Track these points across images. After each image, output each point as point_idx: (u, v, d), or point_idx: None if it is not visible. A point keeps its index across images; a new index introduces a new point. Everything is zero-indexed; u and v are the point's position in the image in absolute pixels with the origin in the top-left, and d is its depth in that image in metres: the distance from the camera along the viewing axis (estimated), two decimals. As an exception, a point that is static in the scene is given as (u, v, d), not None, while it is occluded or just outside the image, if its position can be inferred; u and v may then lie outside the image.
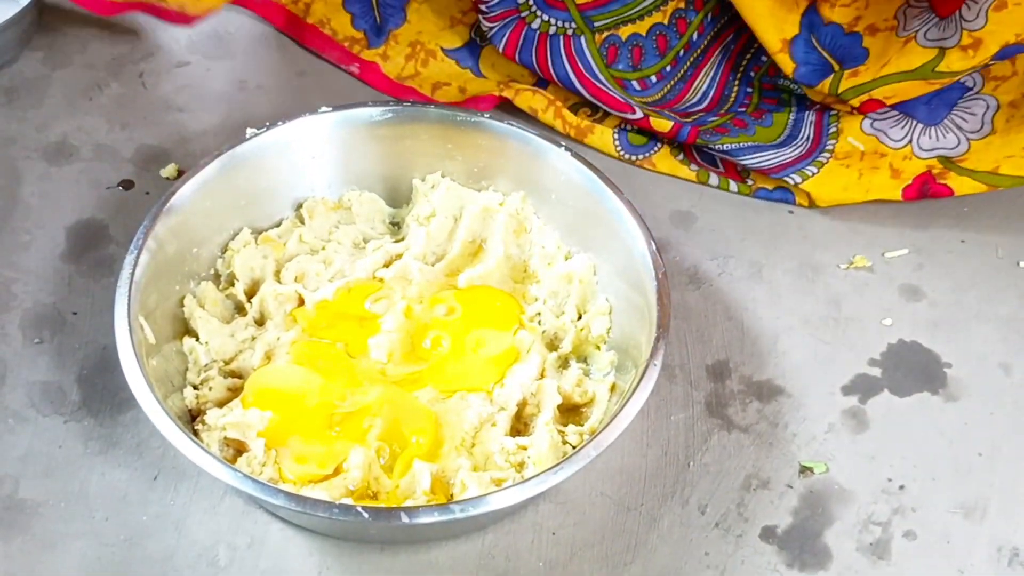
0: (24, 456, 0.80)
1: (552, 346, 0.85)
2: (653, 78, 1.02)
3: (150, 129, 1.01)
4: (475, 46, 1.07)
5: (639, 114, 0.99)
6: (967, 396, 0.87)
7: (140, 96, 1.04)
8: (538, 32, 1.00)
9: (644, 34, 1.02)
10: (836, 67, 0.95)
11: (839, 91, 0.95)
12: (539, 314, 0.87)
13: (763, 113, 1.00)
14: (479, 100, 1.03)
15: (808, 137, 0.99)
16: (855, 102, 0.95)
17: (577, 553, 0.78)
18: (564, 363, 0.85)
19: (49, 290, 0.89)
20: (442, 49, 1.07)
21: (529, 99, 1.02)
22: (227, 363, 0.83)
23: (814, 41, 0.95)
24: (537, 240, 0.90)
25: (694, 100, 1.03)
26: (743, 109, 1.02)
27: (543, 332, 0.86)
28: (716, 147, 0.97)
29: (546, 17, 1.00)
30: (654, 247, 0.82)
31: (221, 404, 0.80)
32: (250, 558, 0.76)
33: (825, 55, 0.95)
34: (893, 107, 0.97)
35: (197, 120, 1.02)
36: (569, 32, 1.00)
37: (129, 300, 0.77)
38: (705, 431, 0.84)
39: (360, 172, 0.92)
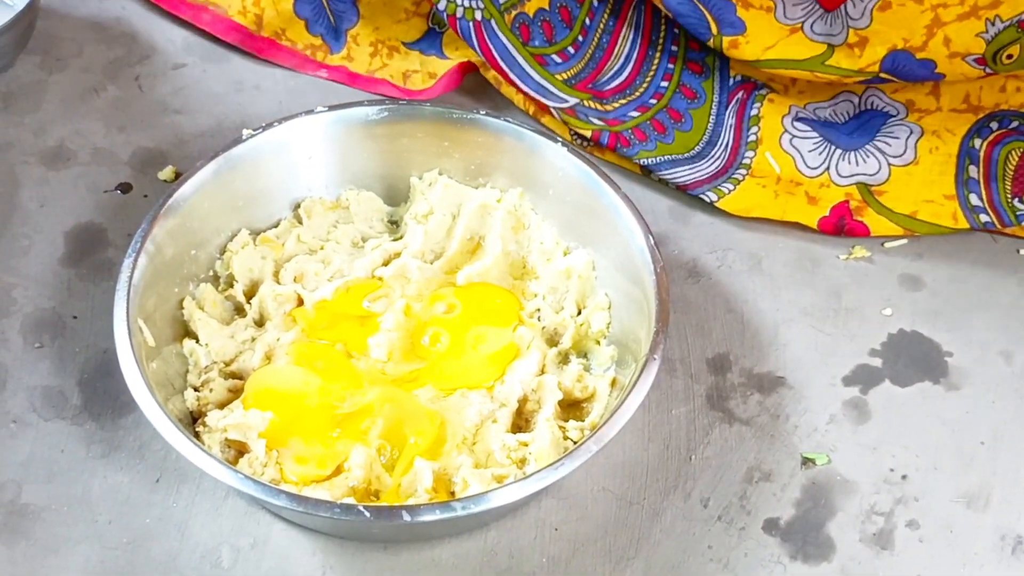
0: (26, 461, 0.80)
1: (552, 342, 0.85)
2: (571, 49, 1.00)
3: (147, 132, 1.01)
4: (435, 34, 1.06)
5: (557, 115, 0.98)
6: (968, 385, 0.87)
7: (137, 99, 1.04)
8: (446, 15, 0.98)
9: (548, 8, 1.00)
10: (714, 27, 0.92)
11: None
12: (538, 310, 0.87)
13: (682, 114, 0.98)
14: (448, 77, 1.02)
15: (727, 145, 0.97)
16: (762, 76, 0.94)
17: (580, 548, 0.78)
18: (564, 359, 0.85)
19: (49, 294, 0.89)
20: (403, 44, 1.07)
21: (493, 72, 1.01)
22: (227, 364, 0.83)
23: None
24: (535, 236, 0.90)
25: (616, 67, 1.01)
26: (665, 84, 0.99)
27: (543, 328, 0.86)
28: (635, 161, 0.96)
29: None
30: (652, 241, 0.82)
31: (222, 406, 0.80)
32: (253, 559, 0.76)
33: (700, 7, 0.92)
34: (814, 128, 0.96)
35: (194, 122, 1.02)
36: (479, 17, 0.98)
37: (128, 303, 0.77)
38: (706, 424, 0.84)
39: (357, 171, 0.92)
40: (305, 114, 0.89)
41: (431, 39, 1.06)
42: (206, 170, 0.85)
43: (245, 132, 0.87)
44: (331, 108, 0.89)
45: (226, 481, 0.70)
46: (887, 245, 0.95)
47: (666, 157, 0.97)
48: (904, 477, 0.82)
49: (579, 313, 0.86)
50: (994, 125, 0.93)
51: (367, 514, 0.69)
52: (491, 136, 0.89)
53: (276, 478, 0.76)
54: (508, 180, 0.91)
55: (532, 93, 0.99)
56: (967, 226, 0.94)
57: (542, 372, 0.83)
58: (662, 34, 0.99)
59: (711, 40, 0.93)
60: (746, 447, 0.83)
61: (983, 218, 0.94)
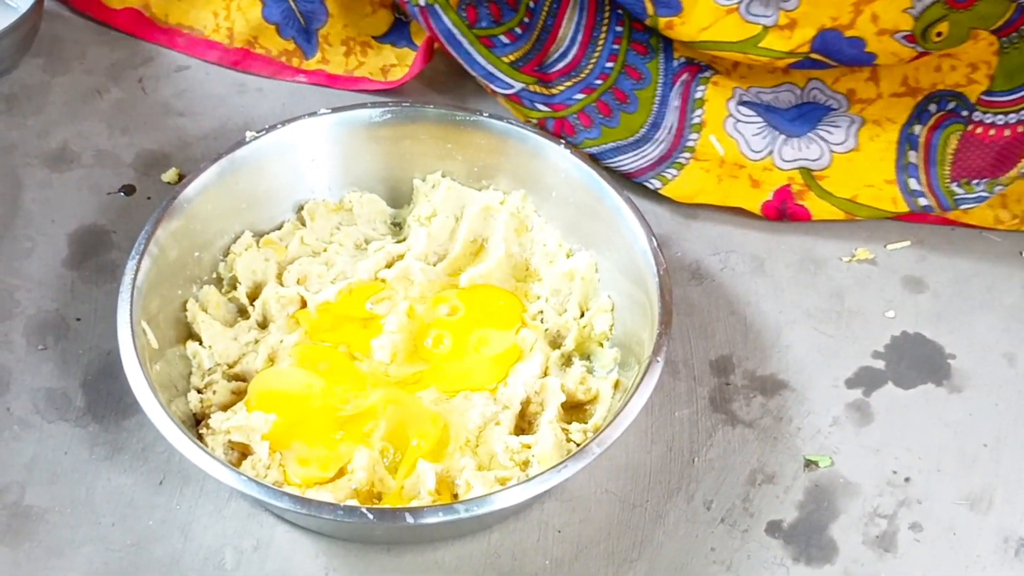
0: (30, 463, 0.80)
1: (555, 344, 0.85)
2: (518, 30, 0.99)
3: (150, 134, 1.01)
4: (402, 24, 1.06)
5: (502, 94, 0.98)
6: (971, 387, 0.87)
7: (140, 101, 1.04)
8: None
9: None
10: (650, 7, 0.91)
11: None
12: (541, 312, 0.87)
13: (627, 95, 0.97)
14: (420, 56, 1.03)
15: (671, 127, 0.97)
16: (704, 58, 0.94)
17: (583, 550, 0.78)
18: (567, 361, 0.85)
19: (52, 296, 0.89)
20: (374, 38, 1.06)
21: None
22: (231, 366, 0.83)
23: None
24: (538, 238, 0.90)
25: (561, 49, 1.00)
26: (610, 64, 0.98)
27: (546, 330, 0.86)
28: (579, 149, 0.96)
29: None
30: (655, 243, 0.82)
31: (225, 408, 0.80)
32: (256, 561, 0.76)
33: None
34: (758, 112, 0.96)
35: (197, 124, 1.02)
36: (422, 2, 0.96)
37: (132, 305, 0.77)
38: (709, 426, 0.84)
39: (360, 173, 0.92)
40: (308, 116, 0.89)
41: (399, 30, 1.06)
42: (210, 172, 0.85)
43: (248, 134, 0.87)
44: (334, 110, 0.89)
45: (229, 483, 0.70)
46: (890, 247, 0.95)
47: (610, 144, 0.97)
48: (907, 479, 0.82)
49: (582, 315, 0.87)
50: (932, 108, 0.93)
51: (370, 516, 0.69)
52: (494, 138, 0.89)
53: (279, 480, 0.76)
54: (511, 182, 0.91)
55: (478, 78, 0.99)
56: (907, 209, 0.95)
57: (545, 374, 0.83)
58: (607, 14, 0.98)
59: (648, 20, 0.93)
60: (749, 449, 0.83)
61: (922, 202, 0.94)
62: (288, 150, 0.89)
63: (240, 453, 0.78)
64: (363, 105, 0.90)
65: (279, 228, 0.90)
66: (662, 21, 0.91)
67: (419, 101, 0.91)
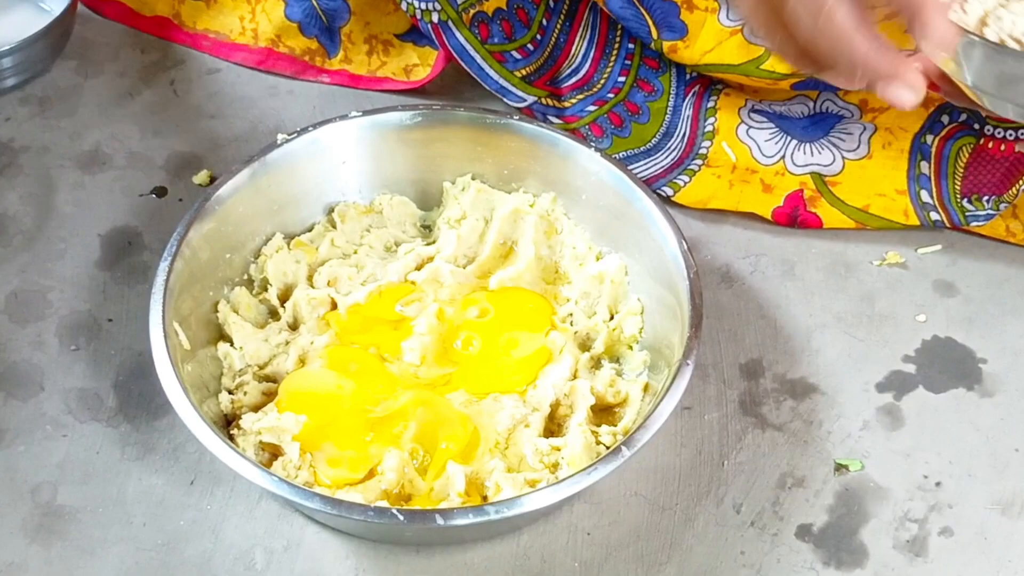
0: (62, 463, 0.81)
1: (584, 347, 0.85)
2: (530, 46, 1.00)
3: (182, 136, 1.02)
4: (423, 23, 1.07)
5: (514, 107, 0.99)
6: (1003, 391, 0.86)
7: (172, 103, 1.05)
8: (408, 14, 0.98)
9: (505, 7, 0.99)
10: (654, 31, 0.92)
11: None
12: (571, 315, 0.87)
13: (640, 107, 0.97)
14: (439, 60, 1.03)
15: (684, 135, 0.96)
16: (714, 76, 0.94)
17: (612, 553, 0.78)
18: (596, 363, 0.85)
19: (84, 297, 0.90)
20: (396, 36, 1.07)
21: None
22: (261, 368, 0.83)
23: None
24: (568, 241, 0.90)
25: (574, 65, 1.00)
26: (623, 79, 0.98)
27: (575, 333, 0.86)
28: None
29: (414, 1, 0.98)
30: (685, 246, 0.82)
31: (256, 409, 0.80)
32: (287, 561, 0.77)
33: (641, 10, 0.92)
34: (770, 119, 0.95)
35: (228, 126, 1.03)
36: (435, 19, 0.97)
37: (164, 306, 0.77)
38: (739, 430, 0.84)
39: (391, 176, 0.92)
40: (340, 119, 0.89)
41: (420, 29, 1.06)
42: (242, 174, 0.85)
43: (280, 136, 0.87)
44: (365, 113, 0.90)
45: (260, 484, 0.71)
46: (920, 251, 0.95)
47: (622, 153, 0.97)
48: (938, 484, 0.81)
49: (611, 318, 0.86)
50: (945, 119, 0.93)
51: (401, 517, 0.69)
52: (524, 141, 0.89)
53: (309, 481, 0.76)
54: (541, 185, 0.91)
55: (492, 92, 1.00)
56: (917, 223, 0.94)
57: (574, 377, 0.83)
58: (618, 33, 0.99)
59: (652, 44, 0.93)
60: (779, 453, 0.83)
61: (933, 216, 0.94)
62: (319, 152, 0.89)
63: (271, 454, 0.78)
64: (394, 108, 0.91)
65: (310, 230, 0.90)
66: (666, 45, 0.92)
67: (449, 104, 0.91)
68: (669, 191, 0.96)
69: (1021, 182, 0.91)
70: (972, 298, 0.92)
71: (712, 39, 0.90)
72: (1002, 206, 0.92)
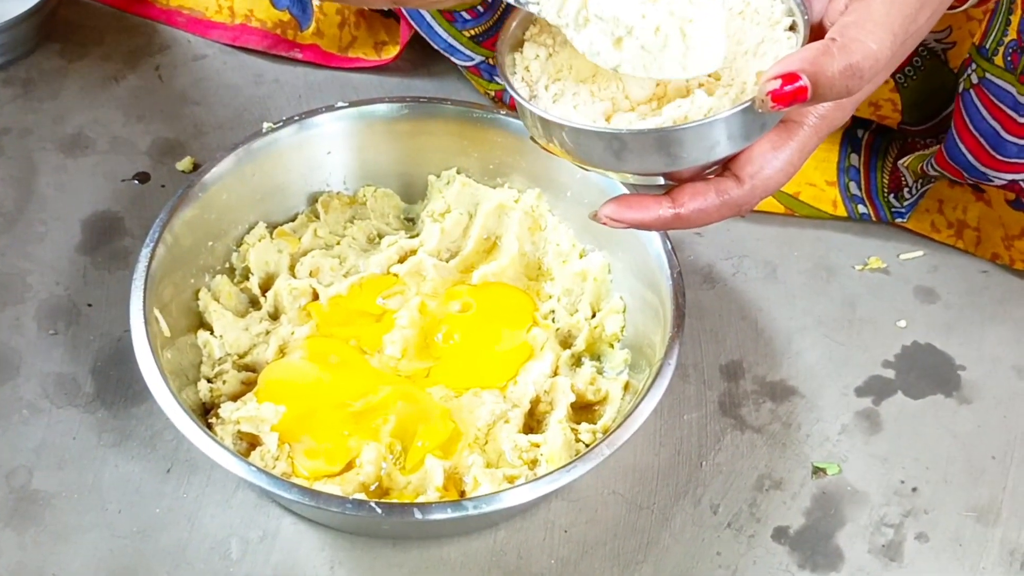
0: (38, 447, 0.80)
1: (566, 344, 0.85)
2: (479, 7, 0.99)
3: (166, 122, 1.01)
4: None
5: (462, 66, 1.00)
6: (980, 399, 0.87)
7: (157, 89, 1.04)
8: None
9: None
10: None
11: None
12: (553, 312, 0.87)
13: None
14: (403, 33, 1.03)
15: None
16: None
17: (589, 551, 0.78)
18: (577, 361, 0.85)
19: (64, 282, 0.89)
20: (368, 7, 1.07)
21: None
22: (241, 357, 0.83)
23: None
24: (552, 238, 0.90)
25: None
26: None
27: (557, 330, 0.86)
28: None
29: None
30: (669, 246, 0.82)
31: (235, 398, 0.80)
32: (262, 552, 0.76)
33: None
34: None
35: (213, 114, 1.02)
36: None
37: (145, 293, 0.77)
38: (718, 431, 0.84)
39: (375, 168, 0.92)
40: (326, 109, 0.89)
41: None
42: (226, 162, 0.85)
43: (265, 125, 0.87)
44: (352, 104, 0.89)
45: (238, 473, 0.70)
46: (902, 257, 0.95)
47: None
48: (914, 489, 0.82)
49: (593, 316, 0.86)
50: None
51: (378, 510, 0.69)
52: (511, 136, 0.89)
53: (287, 472, 0.76)
54: (526, 181, 0.91)
55: (440, 50, 1.00)
56: (845, 214, 0.95)
57: (555, 374, 0.83)
58: None
59: None
60: (757, 455, 0.83)
61: (861, 209, 0.95)
62: (305, 142, 0.89)
63: (248, 444, 0.78)
64: (381, 100, 0.90)
65: (293, 220, 0.90)
66: None
67: (436, 97, 0.91)
68: None
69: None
70: (952, 305, 0.92)
71: None
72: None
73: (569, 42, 0.67)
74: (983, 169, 0.86)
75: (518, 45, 0.71)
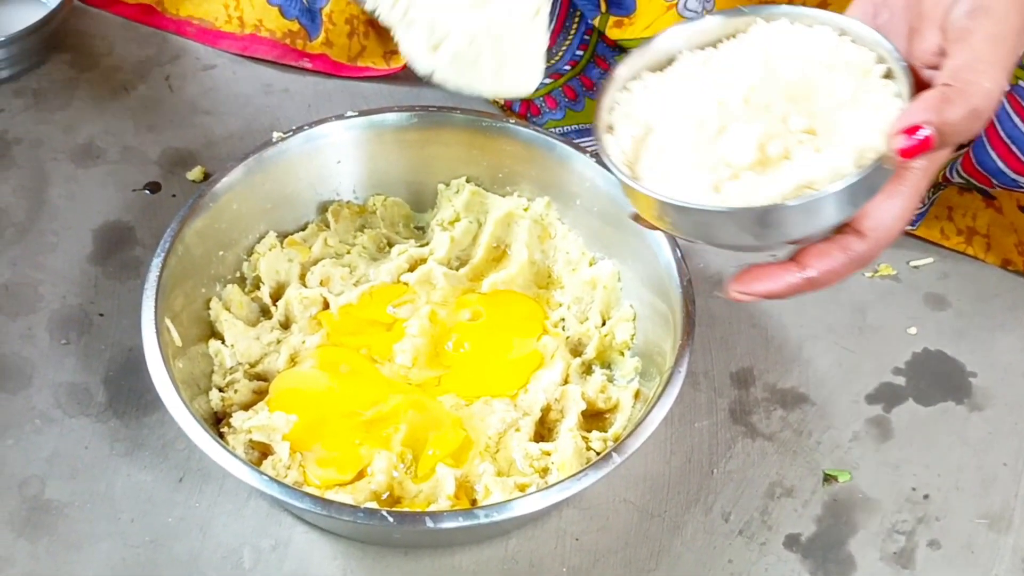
0: (50, 457, 0.80)
1: (576, 352, 0.85)
2: None
3: (177, 132, 1.02)
4: None
5: None
6: (992, 406, 0.87)
7: (167, 99, 1.04)
8: None
9: None
10: (603, 4, 0.92)
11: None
12: (563, 320, 0.87)
13: (595, 82, 0.98)
14: None
15: None
16: None
17: (600, 559, 0.78)
18: (588, 369, 0.85)
19: (75, 292, 0.90)
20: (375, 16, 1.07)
21: None
22: (252, 366, 0.83)
23: None
24: (561, 246, 0.90)
25: None
26: (581, 52, 0.99)
27: (567, 338, 0.86)
28: (546, 129, 0.95)
29: None
30: (679, 254, 0.82)
31: (246, 407, 0.80)
32: (274, 561, 0.77)
33: None
34: None
35: (223, 123, 1.03)
36: None
37: (156, 302, 0.77)
38: (729, 438, 0.84)
39: (385, 177, 0.92)
40: (336, 118, 0.89)
41: None
42: (236, 171, 0.85)
43: (275, 135, 0.87)
44: (361, 113, 0.90)
45: (250, 482, 0.71)
46: (913, 263, 0.95)
47: (575, 126, 0.98)
48: (926, 496, 0.82)
49: (603, 324, 0.86)
50: None
51: (390, 519, 0.69)
52: (520, 145, 0.89)
53: (299, 481, 0.76)
54: (535, 189, 0.91)
55: None
56: None
57: (566, 382, 0.83)
58: (579, 9, 0.99)
59: (597, 19, 0.93)
60: (768, 462, 0.83)
61: None
62: (314, 152, 0.89)
63: (260, 453, 0.78)
64: (390, 109, 0.90)
65: (303, 229, 0.90)
66: (611, 20, 0.92)
67: (446, 106, 0.91)
68: None
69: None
70: (963, 312, 0.92)
71: (652, 14, 0.91)
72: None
73: (660, 122, 0.66)
74: (1013, 176, 0.86)
75: (609, 128, 0.69)
